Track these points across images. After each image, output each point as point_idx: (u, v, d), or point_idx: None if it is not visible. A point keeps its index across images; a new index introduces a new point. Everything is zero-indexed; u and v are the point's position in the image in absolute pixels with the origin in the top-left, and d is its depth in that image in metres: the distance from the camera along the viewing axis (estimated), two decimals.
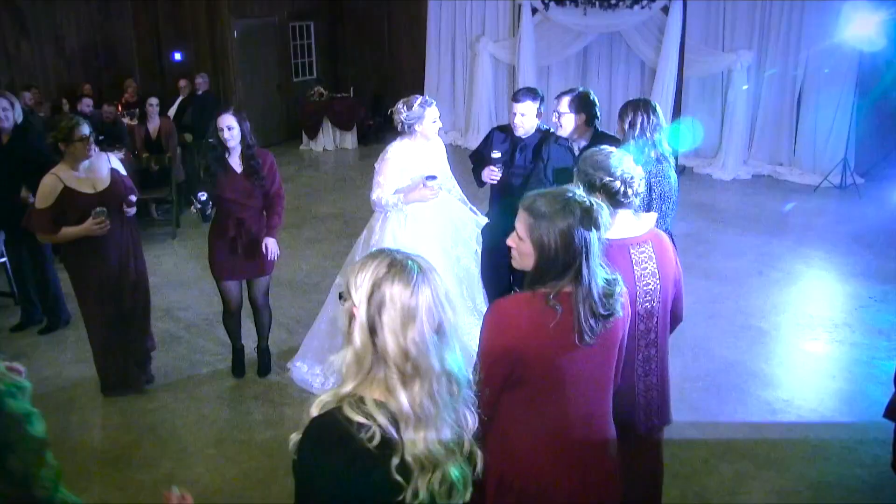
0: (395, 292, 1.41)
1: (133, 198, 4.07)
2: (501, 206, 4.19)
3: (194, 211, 4.08)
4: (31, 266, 5.11)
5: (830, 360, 4.59)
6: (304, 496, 1.47)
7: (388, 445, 1.40)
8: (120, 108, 8.37)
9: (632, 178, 2.35)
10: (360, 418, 1.40)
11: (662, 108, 9.18)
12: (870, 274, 5.90)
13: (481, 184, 4.27)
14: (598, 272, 1.89)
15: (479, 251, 4.37)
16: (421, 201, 3.96)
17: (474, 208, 4.49)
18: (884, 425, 3.44)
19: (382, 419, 1.40)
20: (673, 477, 3.46)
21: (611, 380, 2.04)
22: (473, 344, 2.04)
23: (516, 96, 4.12)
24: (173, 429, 3.99)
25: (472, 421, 1.52)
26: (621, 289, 1.96)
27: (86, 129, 3.87)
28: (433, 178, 3.90)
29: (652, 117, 3.45)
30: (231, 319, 4.40)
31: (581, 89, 4.08)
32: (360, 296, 1.44)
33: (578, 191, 1.96)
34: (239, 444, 3.85)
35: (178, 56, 10.81)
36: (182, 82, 9.28)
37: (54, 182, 3.86)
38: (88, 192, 3.91)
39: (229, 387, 4.41)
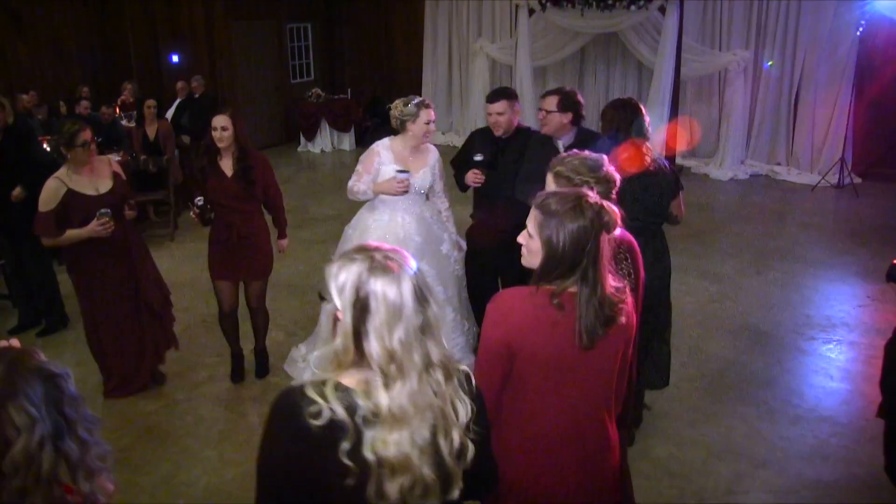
0: (378, 293, 1.40)
1: (132, 202, 4.10)
2: (486, 209, 4.17)
3: (193, 216, 4.07)
4: (33, 267, 5.10)
5: (828, 360, 4.59)
6: (261, 466, 1.48)
7: (338, 429, 1.38)
8: (118, 111, 8.36)
9: (615, 178, 2.35)
10: (314, 396, 1.40)
11: (660, 109, 9.04)
12: (868, 273, 5.91)
13: (464, 188, 4.25)
14: (606, 276, 1.87)
15: (457, 270, 4.30)
16: (388, 192, 4.00)
17: (458, 237, 4.37)
18: (882, 425, 3.45)
19: (336, 405, 1.39)
20: (671, 477, 3.47)
21: (612, 386, 2.01)
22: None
23: (489, 98, 4.16)
24: (172, 430, 3.99)
25: (463, 413, 1.48)
26: (627, 297, 1.94)
27: (88, 135, 3.89)
28: (405, 173, 3.94)
29: (633, 117, 3.39)
30: (225, 321, 4.38)
31: (568, 88, 4.09)
32: (343, 300, 1.41)
33: (592, 192, 1.94)
34: (237, 445, 3.85)
35: (175, 58, 10.81)
36: (180, 84, 9.27)
37: (57, 185, 3.87)
38: (91, 194, 3.92)
39: (227, 388, 4.41)
